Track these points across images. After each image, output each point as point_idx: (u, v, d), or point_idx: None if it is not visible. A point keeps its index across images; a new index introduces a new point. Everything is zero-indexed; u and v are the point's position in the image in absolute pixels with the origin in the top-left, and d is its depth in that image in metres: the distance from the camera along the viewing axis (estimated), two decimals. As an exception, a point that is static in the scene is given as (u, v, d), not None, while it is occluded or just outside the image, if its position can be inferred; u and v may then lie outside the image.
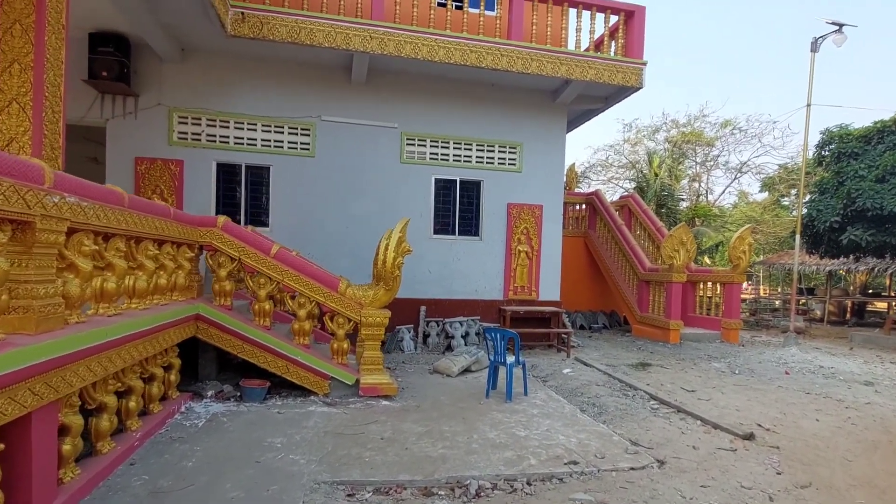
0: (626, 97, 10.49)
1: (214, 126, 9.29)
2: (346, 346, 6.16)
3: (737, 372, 8.77)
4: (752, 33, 64.03)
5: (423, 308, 9.84)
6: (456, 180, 10.23)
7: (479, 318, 10.10)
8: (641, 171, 19.62)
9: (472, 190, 10.34)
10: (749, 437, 5.17)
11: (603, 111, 11.20)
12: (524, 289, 10.41)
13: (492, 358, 6.61)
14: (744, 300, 19.45)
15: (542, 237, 10.51)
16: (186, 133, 9.19)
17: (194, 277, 5.62)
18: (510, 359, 6.48)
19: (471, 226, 10.35)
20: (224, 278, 5.67)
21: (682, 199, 20.32)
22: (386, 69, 9.66)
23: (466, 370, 7.85)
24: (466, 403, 6.09)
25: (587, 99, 10.74)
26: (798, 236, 12.64)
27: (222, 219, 5.65)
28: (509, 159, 10.51)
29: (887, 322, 13.95)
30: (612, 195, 22.95)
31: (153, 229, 4.43)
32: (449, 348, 9.48)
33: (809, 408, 6.62)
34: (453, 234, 10.22)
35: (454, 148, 10.24)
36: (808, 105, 12.35)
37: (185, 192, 9.10)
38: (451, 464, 4.11)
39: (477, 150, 10.35)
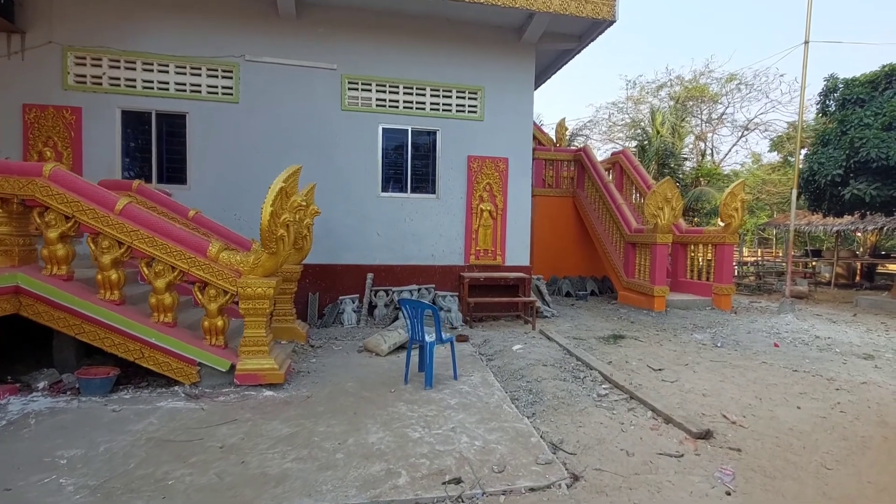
0: (601, 33, 9.13)
1: (118, 68, 8.11)
2: (220, 323, 5.07)
3: (719, 344, 7.73)
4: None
5: (370, 275, 8.80)
6: (407, 130, 9.02)
7: (434, 286, 9.06)
8: (644, 130, 18.17)
9: (426, 141, 9.14)
10: (704, 435, 4.13)
11: (578, 52, 9.82)
12: (487, 253, 9.32)
13: (412, 336, 5.60)
14: (746, 263, 18.25)
15: (507, 194, 9.34)
16: (85, 76, 8.02)
17: (15, 241, 4.56)
18: (430, 337, 5.46)
19: (425, 182, 9.19)
20: (55, 241, 4.58)
21: (686, 159, 18.87)
22: (322, 0, 8.38)
23: (400, 347, 6.86)
24: (374, 392, 5.10)
25: (557, 37, 9.39)
26: (795, 190, 11.32)
27: (49, 166, 4.55)
28: (469, 106, 9.26)
29: (895, 285, 12.76)
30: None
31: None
32: (396, 319, 8.50)
33: (793, 390, 5.55)
34: (405, 191, 9.08)
35: (405, 93, 9.00)
36: (806, 42, 10.87)
37: (84, 144, 7.99)
38: (285, 488, 3.09)
39: (431, 95, 9.10)
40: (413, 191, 9.09)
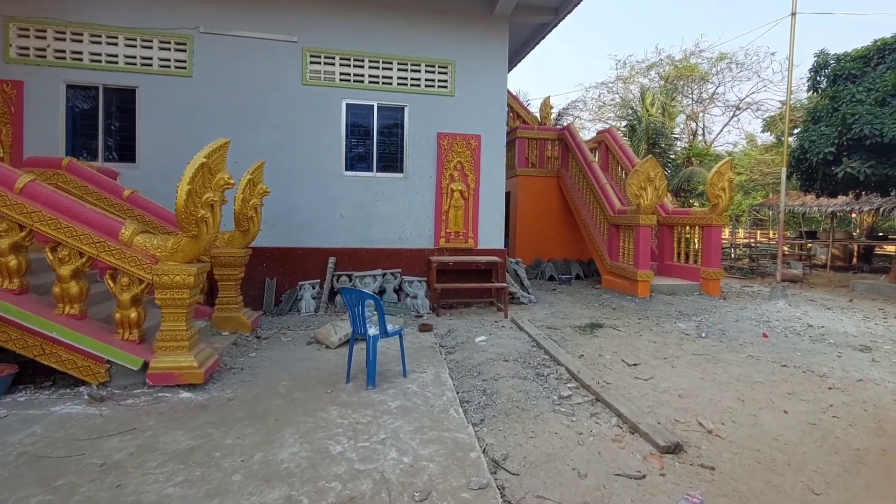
0: (576, 5, 8.34)
1: (64, 40, 7.39)
2: (133, 315, 4.47)
3: (703, 335, 7.05)
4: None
5: (332, 259, 8.13)
6: (373, 106, 8.28)
7: (400, 271, 8.39)
8: (634, 110, 17.32)
9: (393, 117, 8.40)
10: (673, 449, 3.48)
11: (555, 25, 9.05)
12: (459, 235, 8.63)
13: (353, 329, 4.92)
14: (740, 245, 17.49)
15: (479, 173, 8.62)
16: (28, 48, 7.31)
17: None
18: (373, 330, 4.77)
19: (393, 161, 8.47)
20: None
21: (677, 138, 18.02)
22: (279, -33, 7.61)
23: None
24: (308, 393, 4.45)
25: (532, 9, 8.61)
26: (784, 169, 10.56)
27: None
28: (439, 81, 8.49)
29: (893, 267, 12.00)
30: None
31: None
32: (361, 308, 7.83)
33: (780, 389, 4.90)
34: (371, 170, 8.37)
35: (370, 67, 8.24)
36: (793, 14, 10.02)
37: (25, 119, 7.33)
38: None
39: (399, 69, 8.34)
40: (379, 170, 8.38)
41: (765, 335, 7.08)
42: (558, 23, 8.87)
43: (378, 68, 8.24)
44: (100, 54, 7.48)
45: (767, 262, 15.11)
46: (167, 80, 7.65)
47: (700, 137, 21.99)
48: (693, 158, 16.83)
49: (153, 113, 7.63)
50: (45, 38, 7.33)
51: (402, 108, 8.36)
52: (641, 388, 4.84)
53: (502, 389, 4.72)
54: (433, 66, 8.42)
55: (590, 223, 11.07)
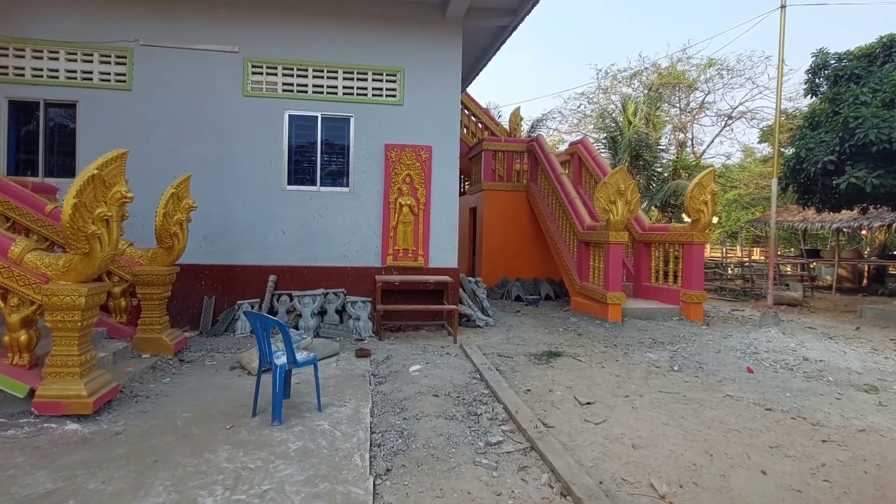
0: (535, 5, 6.69)
1: (7, 55, 6.43)
2: (23, 339, 3.68)
3: (676, 368, 5.26)
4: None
5: (272, 278, 6.70)
6: (317, 117, 6.87)
7: (344, 290, 6.80)
8: (615, 120, 15.04)
9: (338, 129, 6.98)
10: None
11: (514, 28, 7.47)
12: (408, 253, 6.99)
13: (261, 357, 3.79)
14: (730, 265, 14.79)
15: (430, 187, 7.01)
16: (-30, 65, 6.30)
17: None
18: (280, 359, 3.67)
19: (338, 174, 7.03)
20: None
21: (663, 150, 15.55)
22: (220, -24, 6.43)
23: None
24: (206, 428, 3.51)
25: (487, 12, 7.09)
26: (775, 179, 8.31)
27: None
28: (387, 90, 7.00)
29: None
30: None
31: None
32: (296, 328, 6.28)
33: (760, 441, 3.41)
34: (315, 184, 6.93)
35: (314, 76, 6.86)
36: (783, 7, 7.89)
37: (-32, 137, 6.28)
38: None
39: (345, 78, 6.91)
40: (324, 184, 6.94)
41: (749, 370, 5.20)
42: (517, 25, 7.29)
43: (323, 77, 6.86)
44: (42, 69, 6.47)
45: (764, 282, 12.53)
46: (107, 94, 6.56)
47: (689, 149, 19.23)
48: (681, 171, 14.41)
49: (93, 128, 6.55)
50: (-13, 54, 6.31)
51: (347, 119, 6.92)
52: (590, 434, 3.50)
53: (422, 431, 3.49)
54: (381, 75, 6.95)
55: (558, 240, 9.20)
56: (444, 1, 6.76)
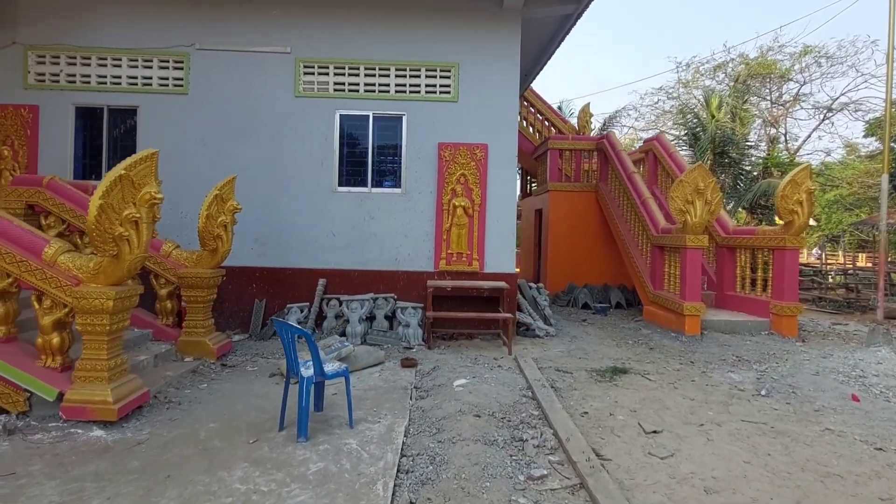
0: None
1: (75, 64, 6.98)
2: (56, 341, 3.81)
3: (764, 392, 4.82)
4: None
5: (322, 281, 6.84)
6: (368, 116, 6.96)
7: (394, 296, 6.86)
8: (697, 115, 14.19)
9: (390, 128, 7.02)
10: None
11: (579, 16, 7.13)
12: (462, 257, 6.94)
13: (288, 367, 3.77)
14: (832, 273, 13.57)
15: (486, 187, 6.91)
16: (44, 74, 6.99)
17: None
18: (307, 371, 3.61)
19: (390, 175, 7.07)
20: None
21: (751, 146, 14.44)
22: (273, -22, 6.67)
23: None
24: (229, 441, 3.50)
25: (548, 0, 6.80)
26: (886, 176, 7.53)
27: None
28: (441, 86, 6.98)
29: None
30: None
31: None
32: (343, 334, 6.43)
33: (868, 490, 2.92)
34: (366, 185, 7.01)
35: (366, 75, 6.96)
36: None
37: (40, 141, 6.96)
38: None
39: (397, 75, 6.96)
40: (375, 185, 7.00)
41: (854, 398, 4.66)
42: (582, 12, 6.98)
43: (374, 76, 6.94)
44: (105, 76, 6.97)
45: (872, 292, 11.39)
46: (165, 99, 6.96)
47: (782, 145, 17.80)
48: (773, 169, 13.35)
49: (152, 132, 6.96)
50: (58, 63, 6.96)
51: (399, 118, 6.95)
52: (653, 471, 3.14)
53: (456, 458, 3.29)
54: (434, 71, 6.94)
55: (630, 244, 8.77)
56: (502, -12, 6.67)
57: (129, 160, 3.64)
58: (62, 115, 6.93)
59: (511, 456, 3.35)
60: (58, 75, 6.95)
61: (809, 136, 18.34)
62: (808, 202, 6.79)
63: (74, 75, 6.96)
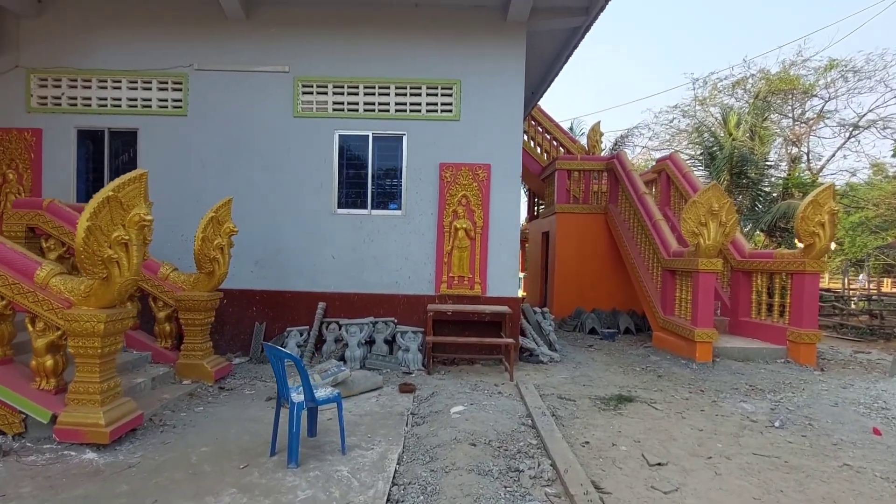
0: (608, 1, 6.47)
1: (76, 87, 7.15)
2: (49, 364, 3.91)
3: (778, 424, 4.67)
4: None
5: (321, 305, 6.84)
6: (368, 136, 7.02)
7: (395, 320, 6.83)
8: (713, 134, 14.03)
9: (390, 148, 7.06)
10: None
11: (587, 28, 7.15)
12: (463, 280, 6.91)
13: (279, 392, 3.80)
14: (851, 298, 13.26)
15: (489, 209, 6.90)
16: (46, 97, 7.16)
17: None
18: (297, 396, 3.63)
19: (390, 196, 7.08)
20: None
21: (771, 166, 14.19)
22: (272, -4, 6.80)
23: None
24: (218, 467, 3.52)
25: (555, 11, 6.89)
26: None
27: None
28: (442, 104, 7.03)
29: None
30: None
31: None
32: (342, 359, 6.41)
33: None
34: (366, 207, 7.04)
35: (366, 93, 7.04)
36: None
37: (43, 164, 7.11)
38: None
39: (397, 93, 7.04)
40: (375, 207, 7.02)
41: (876, 431, 4.50)
42: (591, 24, 6.97)
43: (374, 94, 7.01)
44: (106, 98, 7.12)
45: (902, 318, 11.10)
46: (164, 121, 7.08)
47: (804, 164, 17.49)
48: (793, 190, 13.13)
49: (152, 154, 7.07)
50: (60, 86, 7.13)
51: (400, 137, 7.01)
52: None
53: (448, 489, 3.25)
54: (435, 88, 7.00)
55: (640, 268, 8.65)
56: (505, 2, 6.68)
57: (117, 181, 3.68)
58: (64, 138, 7.09)
59: (506, 487, 3.28)
60: (59, 98, 7.13)
61: (834, 154, 18.01)
62: (830, 224, 6.66)
63: (76, 98, 7.12)
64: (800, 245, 7.09)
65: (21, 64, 7.13)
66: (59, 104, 7.14)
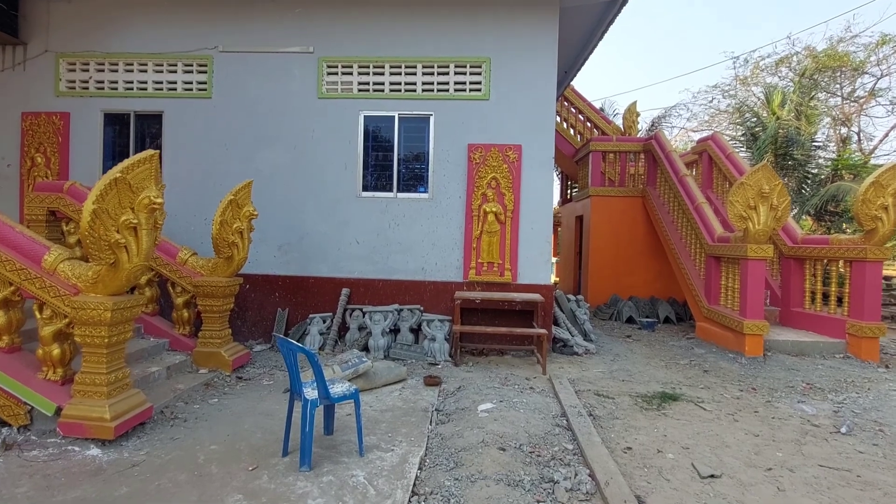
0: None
1: (103, 70, 7.04)
2: (56, 353, 3.67)
3: (844, 430, 4.17)
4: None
5: (345, 291, 6.57)
6: (394, 117, 6.66)
7: (421, 307, 6.50)
8: (756, 114, 13.06)
9: (417, 129, 6.69)
10: None
11: (623, 3, 6.57)
12: (493, 267, 6.51)
13: (291, 388, 3.46)
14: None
15: (520, 191, 6.46)
16: (74, 81, 7.07)
17: None
18: (311, 393, 3.31)
19: (416, 179, 6.73)
20: None
21: (819, 147, 13.13)
22: (294, -26, 6.50)
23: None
24: (226, 467, 3.23)
25: (591, -18, 6.35)
26: None
27: None
28: (471, 83, 6.60)
29: None
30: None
31: None
32: (366, 348, 6.13)
33: None
34: (391, 190, 6.70)
35: (392, 73, 6.67)
36: None
37: (71, 148, 7.04)
38: None
39: (424, 73, 6.64)
40: (401, 190, 6.68)
41: None
42: (625, 2, 6.44)
43: (400, 74, 6.64)
44: (132, 82, 6.98)
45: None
46: (189, 103, 6.90)
47: (854, 145, 16.25)
48: (843, 172, 12.11)
49: (177, 137, 6.91)
50: (87, 70, 7.03)
51: (427, 118, 6.62)
52: None
53: (473, 501, 2.88)
54: (464, 67, 6.57)
55: (681, 254, 8.05)
56: (537, -24, 6.25)
57: (126, 162, 3.41)
58: (92, 122, 6.99)
59: (538, 501, 2.90)
60: (87, 82, 7.03)
61: (887, 134, 16.65)
62: (894, 207, 5.97)
63: (103, 81, 7.01)
64: (848, 230, 6.41)
65: (50, 48, 7.05)
66: (87, 88, 7.04)
